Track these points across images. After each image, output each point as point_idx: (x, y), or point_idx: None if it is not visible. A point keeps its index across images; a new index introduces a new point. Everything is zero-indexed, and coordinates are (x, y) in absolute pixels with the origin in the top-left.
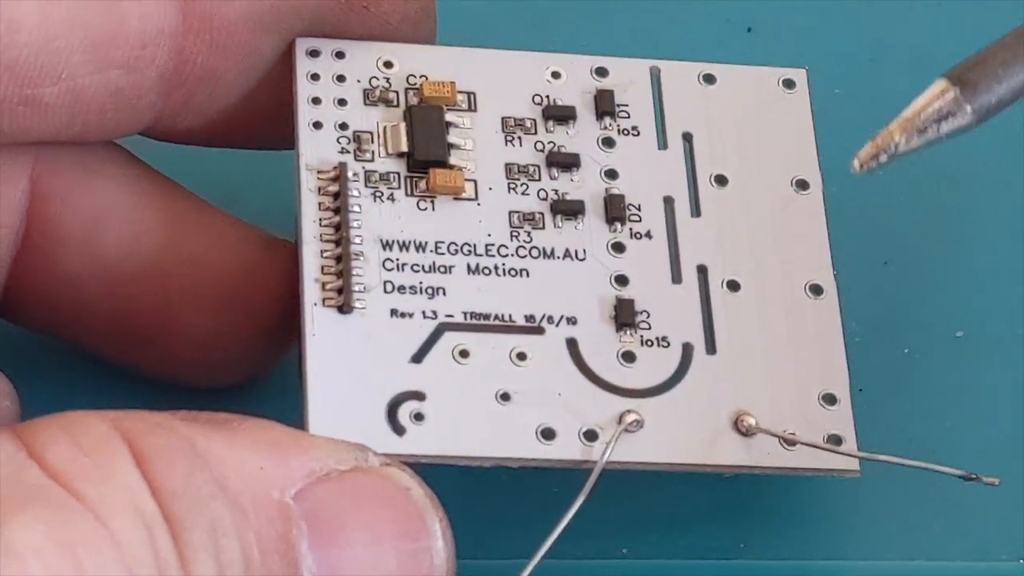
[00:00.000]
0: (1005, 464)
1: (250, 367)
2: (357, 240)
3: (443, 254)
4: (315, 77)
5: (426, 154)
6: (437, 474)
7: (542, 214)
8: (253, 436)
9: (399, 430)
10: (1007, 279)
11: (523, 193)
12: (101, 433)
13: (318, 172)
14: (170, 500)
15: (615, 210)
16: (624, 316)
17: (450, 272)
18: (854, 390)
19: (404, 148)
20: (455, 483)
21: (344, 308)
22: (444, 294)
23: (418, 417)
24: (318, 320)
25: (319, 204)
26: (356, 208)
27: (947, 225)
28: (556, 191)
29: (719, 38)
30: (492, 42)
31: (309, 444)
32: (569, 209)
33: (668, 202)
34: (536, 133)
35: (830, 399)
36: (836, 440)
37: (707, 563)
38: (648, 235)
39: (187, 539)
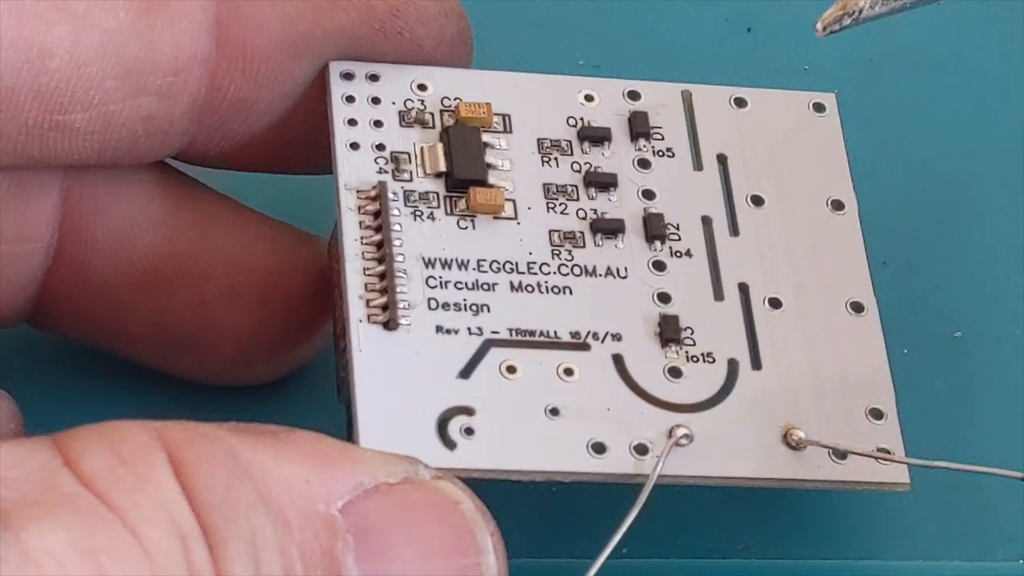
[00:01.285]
0: (1004, 464)
1: (287, 363)
2: (400, 258)
3: (485, 272)
4: (350, 99)
5: (465, 173)
6: None
7: (582, 233)
8: (300, 448)
9: (450, 444)
10: (1005, 279)
11: (562, 212)
12: (140, 442)
13: (357, 191)
14: (208, 511)
15: (655, 229)
16: (669, 332)
17: (493, 289)
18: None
19: (442, 168)
20: None
21: (390, 324)
22: (488, 311)
23: (468, 432)
24: (364, 336)
25: (360, 223)
26: (397, 227)
27: (945, 225)
28: (595, 210)
29: (719, 38)
30: (490, 39)
31: (358, 457)
32: (609, 228)
33: (706, 222)
34: (572, 154)
35: (877, 414)
36: (885, 453)
37: (707, 562)
38: (688, 253)
39: (225, 551)
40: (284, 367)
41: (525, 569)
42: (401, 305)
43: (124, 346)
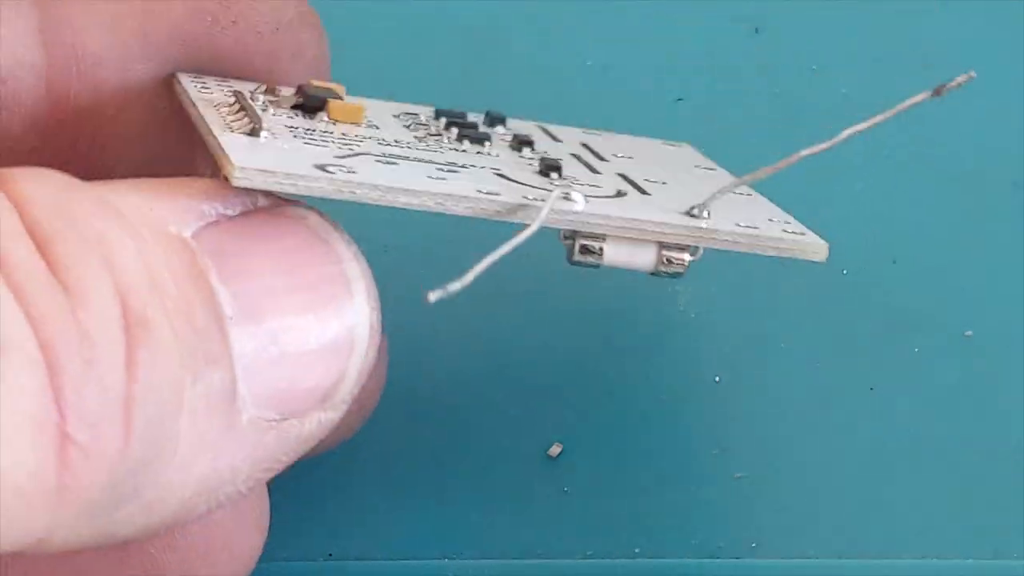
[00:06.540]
0: (1016, 462)
1: None
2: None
3: (349, 142)
4: (206, 88)
5: (318, 92)
6: (436, 473)
7: (450, 137)
8: (131, 183)
9: (328, 172)
10: (1015, 278)
11: (427, 135)
12: None
13: (216, 105)
14: (36, 212)
15: (521, 139)
16: (549, 168)
17: (360, 145)
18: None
19: (297, 101)
20: (458, 481)
21: (254, 132)
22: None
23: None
24: (228, 143)
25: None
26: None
27: (955, 223)
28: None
29: (726, 39)
30: (497, 41)
31: (194, 188)
32: (474, 136)
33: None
34: (440, 136)
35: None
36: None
37: (718, 562)
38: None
39: (62, 251)
40: None
41: (536, 569)
42: (264, 118)
43: None
